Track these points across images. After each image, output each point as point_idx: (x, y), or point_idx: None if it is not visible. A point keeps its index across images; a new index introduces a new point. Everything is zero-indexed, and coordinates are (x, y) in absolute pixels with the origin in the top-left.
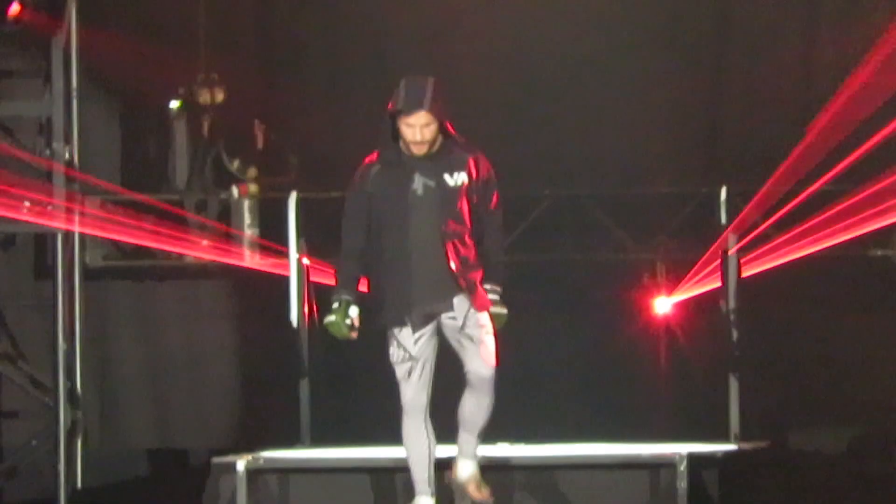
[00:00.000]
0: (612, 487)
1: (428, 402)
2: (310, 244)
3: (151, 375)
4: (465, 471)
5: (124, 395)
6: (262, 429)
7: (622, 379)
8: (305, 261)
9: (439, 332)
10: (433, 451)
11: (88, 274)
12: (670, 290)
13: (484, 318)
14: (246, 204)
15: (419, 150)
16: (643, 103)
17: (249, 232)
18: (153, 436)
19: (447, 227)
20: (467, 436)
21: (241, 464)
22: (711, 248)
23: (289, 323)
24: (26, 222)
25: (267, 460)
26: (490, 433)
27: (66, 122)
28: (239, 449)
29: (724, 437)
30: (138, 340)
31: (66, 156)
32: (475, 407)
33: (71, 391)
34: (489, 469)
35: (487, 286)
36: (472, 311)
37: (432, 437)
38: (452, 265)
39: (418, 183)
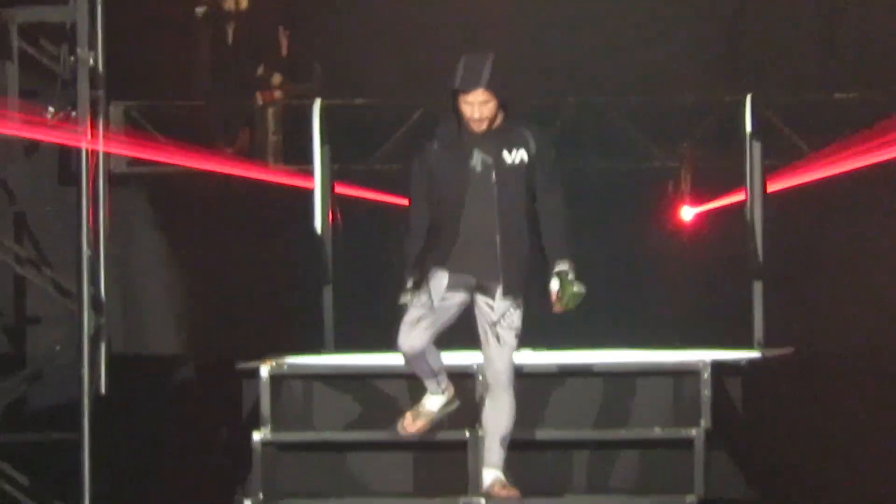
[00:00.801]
0: (636, 394)
1: (425, 347)
2: (334, 151)
3: (175, 282)
4: (489, 479)
5: (148, 302)
6: (285, 336)
7: (647, 287)
8: (329, 169)
9: (467, 306)
10: (439, 362)
11: (113, 180)
12: (695, 199)
13: (517, 319)
14: (270, 111)
15: (478, 128)
16: (667, 9)
17: (273, 139)
18: (177, 342)
19: (503, 206)
20: (490, 443)
21: (265, 370)
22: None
23: (313, 231)
24: (50, 131)
25: (291, 366)
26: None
27: (90, 28)
28: (263, 355)
29: (748, 345)
30: (162, 247)
31: (91, 62)
32: (494, 409)
33: (95, 297)
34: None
35: (559, 264)
36: (511, 310)
37: (434, 352)
38: (505, 247)
39: (476, 160)
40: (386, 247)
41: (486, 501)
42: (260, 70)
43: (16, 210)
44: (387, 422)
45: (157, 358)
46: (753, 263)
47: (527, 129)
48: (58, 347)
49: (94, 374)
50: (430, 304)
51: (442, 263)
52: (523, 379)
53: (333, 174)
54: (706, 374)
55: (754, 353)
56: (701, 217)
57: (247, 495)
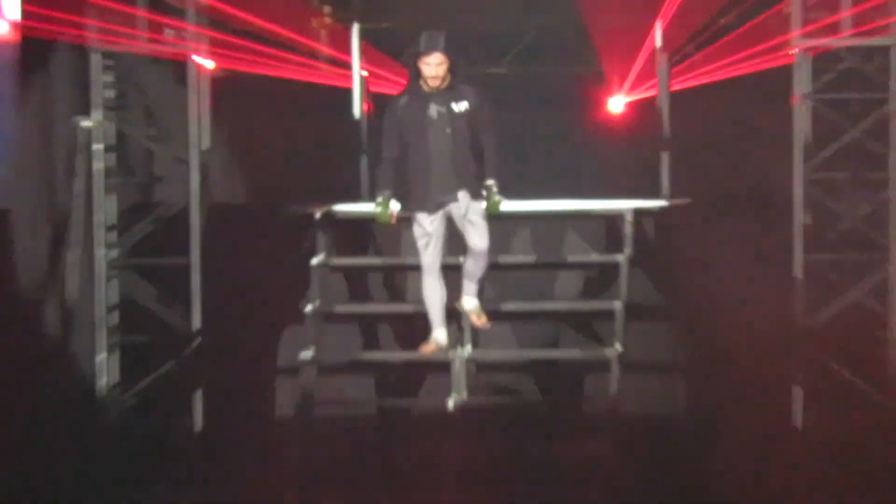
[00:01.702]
0: (582, 231)
1: (440, 264)
2: (367, 58)
3: (244, 153)
4: (469, 304)
5: (218, 169)
6: (331, 190)
7: (586, 153)
8: (364, 73)
9: (448, 218)
10: (444, 298)
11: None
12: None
13: (480, 207)
14: (322, 32)
15: (434, 84)
16: None
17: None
18: (243, 195)
19: (455, 141)
20: (469, 282)
21: (318, 213)
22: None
23: (353, 116)
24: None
25: (336, 210)
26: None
27: None
28: (313, 205)
29: (658, 196)
30: (249, 131)
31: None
32: (474, 266)
33: (202, 166)
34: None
35: (489, 181)
36: (472, 202)
37: (443, 289)
38: (459, 170)
39: (433, 110)
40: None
41: (457, 363)
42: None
43: (145, 103)
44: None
45: (226, 207)
46: (662, 140)
47: (468, 88)
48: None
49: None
50: (425, 232)
51: (420, 204)
52: (501, 220)
53: (367, 76)
54: (629, 217)
55: (663, 202)
56: (628, 106)
57: (309, 301)
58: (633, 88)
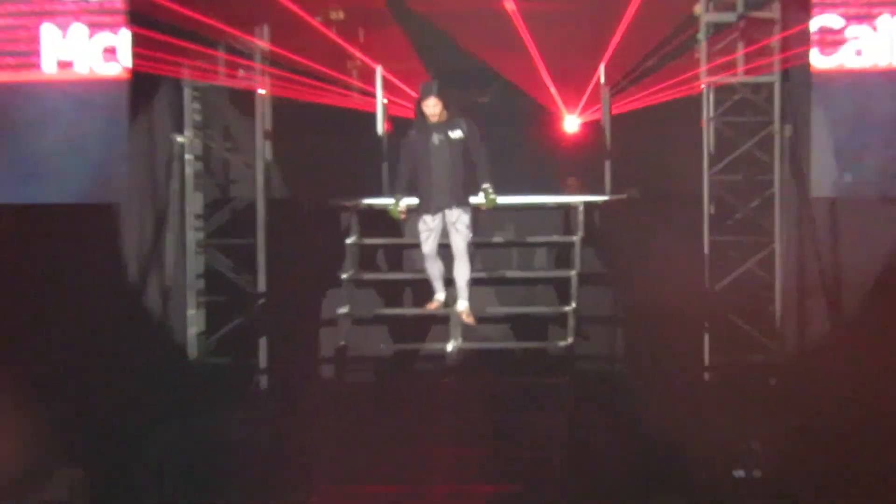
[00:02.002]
0: (545, 219)
1: (436, 250)
2: (387, 89)
3: (295, 161)
4: (460, 306)
5: (277, 173)
6: (359, 188)
7: (549, 161)
8: (385, 100)
9: (443, 220)
10: (442, 270)
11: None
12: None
13: (466, 219)
14: (354, 71)
15: (433, 119)
16: None
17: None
18: (295, 192)
19: (451, 162)
20: (460, 286)
21: (351, 204)
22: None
23: (376, 133)
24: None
25: (364, 202)
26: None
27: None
28: (347, 198)
29: (603, 192)
30: (289, 140)
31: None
32: (459, 269)
33: (265, 172)
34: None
35: (484, 184)
36: (461, 215)
37: (441, 264)
38: (453, 185)
39: (434, 138)
40: None
41: (453, 318)
42: None
43: (224, 124)
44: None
45: (292, 200)
46: (605, 151)
47: (461, 119)
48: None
49: (264, 210)
50: (427, 227)
51: (425, 207)
52: (487, 212)
53: (387, 103)
54: (581, 208)
55: (606, 197)
56: (579, 126)
57: (345, 271)
58: (583, 112)
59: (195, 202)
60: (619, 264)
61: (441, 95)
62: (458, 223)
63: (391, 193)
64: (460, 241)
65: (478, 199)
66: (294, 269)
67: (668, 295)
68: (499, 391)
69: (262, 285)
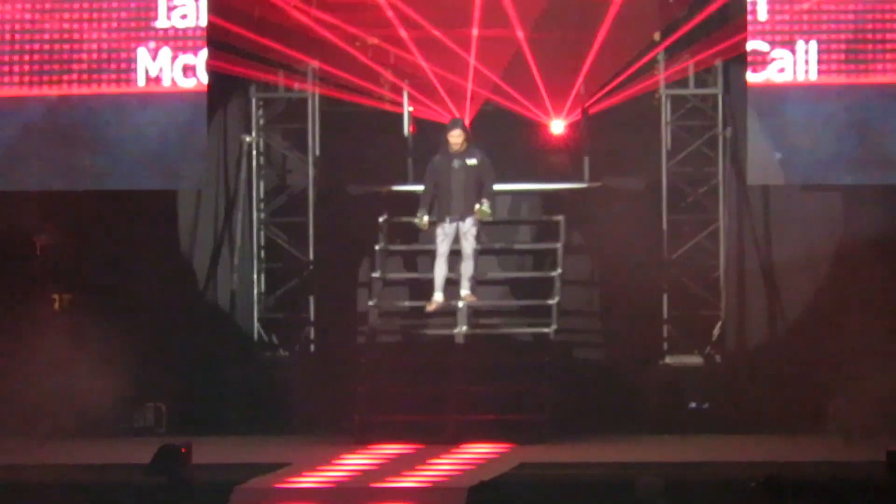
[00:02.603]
0: (537, 200)
1: (447, 253)
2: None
3: (340, 155)
4: (464, 292)
5: (325, 165)
6: (388, 175)
7: (531, 156)
8: (410, 108)
9: (457, 229)
10: (445, 274)
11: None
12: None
13: (475, 230)
14: (386, 85)
15: (455, 147)
16: None
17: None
18: (340, 180)
19: (468, 184)
20: (464, 280)
21: (383, 189)
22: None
23: (403, 133)
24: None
25: (392, 188)
26: None
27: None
28: (373, 185)
29: (583, 181)
30: (335, 139)
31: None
32: (465, 267)
33: (315, 173)
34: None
35: (485, 200)
36: (472, 227)
37: (446, 268)
38: (466, 202)
39: (455, 163)
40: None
41: (461, 308)
42: None
43: (283, 126)
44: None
45: (337, 187)
46: (586, 149)
47: (477, 150)
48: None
49: (314, 195)
50: (445, 233)
51: (443, 217)
52: (501, 195)
53: (412, 112)
54: (561, 221)
55: (585, 184)
56: (565, 128)
57: (374, 271)
58: (567, 115)
59: (258, 189)
60: (596, 240)
61: (464, 129)
62: (469, 233)
63: (419, 209)
64: (469, 247)
65: (477, 207)
66: (336, 241)
67: (633, 260)
68: (495, 365)
69: (311, 255)
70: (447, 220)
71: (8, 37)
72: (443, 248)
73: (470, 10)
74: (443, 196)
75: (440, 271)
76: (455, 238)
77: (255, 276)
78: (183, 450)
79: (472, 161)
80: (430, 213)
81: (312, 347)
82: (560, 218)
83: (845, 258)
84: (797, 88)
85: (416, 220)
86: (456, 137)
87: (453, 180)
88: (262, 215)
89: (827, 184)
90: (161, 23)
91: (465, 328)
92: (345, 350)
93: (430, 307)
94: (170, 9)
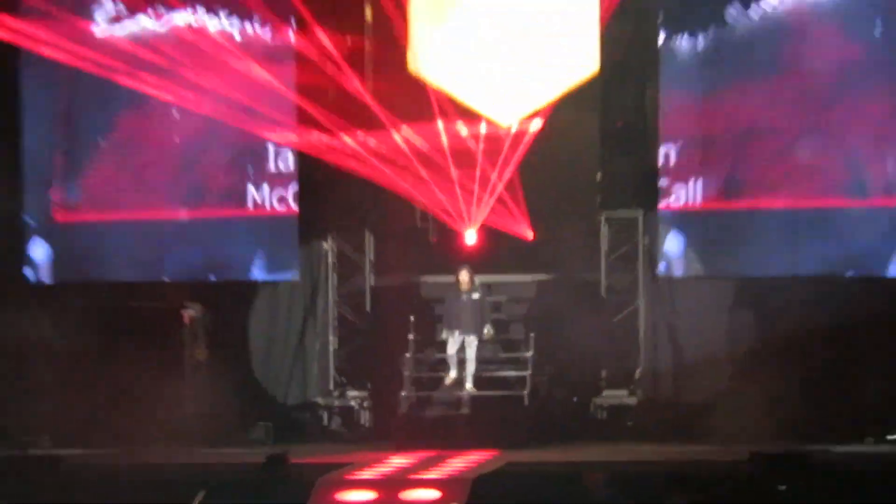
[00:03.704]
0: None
1: (456, 351)
2: None
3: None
4: (468, 384)
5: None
6: (420, 266)
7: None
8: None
9: (463, 340)
10: (456, 359)
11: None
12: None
13: (476, 342)
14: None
15: (463, 286)
16: None
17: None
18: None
19: (473, 312)
20: (468, 375)
21: (415, 280)
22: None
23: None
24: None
25: (421, 279)
26: None
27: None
28: (414, 274)
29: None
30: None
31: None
32: (469, 367)
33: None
34: None
35: (487, 326)
36: (473, 340)
37: (456, 357)
38: (473, 323)
39: (463, 297)
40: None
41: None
42: None
43: (348, 241)
44: None
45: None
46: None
47: (479, 289)
48: None
49: None
50: (455, 341)
51: (454, 332)
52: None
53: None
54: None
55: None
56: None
57: (409, 332)
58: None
59: (333, 280)
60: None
61: (470, 273)
62: (471, 344)
63: (444, 329)
64: (472, 353)
65: (483, 331)
66: (383, 314)
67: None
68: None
69: (367, 325)
70: (457, 333)
71: (166, 176)
72: (452, 349)
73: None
74: (455, 320)
75: (453, 355)
76: (461, 346)
77: (330, 338)
78: (285, 457)
79: (475, 296)
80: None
81: (369, 384)
82: (533, 297)
83: (727, 327)
84: (689, 213)
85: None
86: (464, 276)
87: (461, 310)
88: (336, 298)
89: (712, 276)
90: (269, 167)
91: (470, 387)
92: (390, 392)
93: (448, 382)
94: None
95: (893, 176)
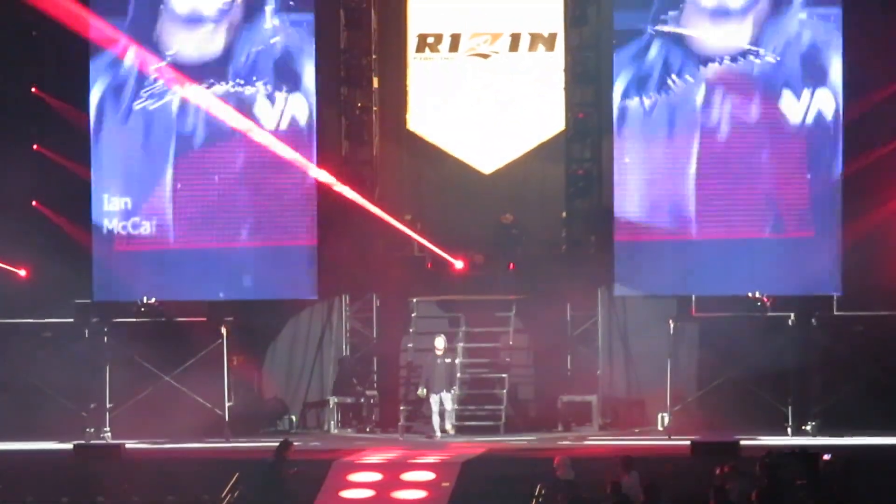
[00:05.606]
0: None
1: (434, 406)
2: None
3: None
4: (448, 425)
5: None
6: (413, 288)
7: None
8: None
9: (440, 396)
10: (436, 416)
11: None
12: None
13: (449, 398)
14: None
15: (438, 352)
16: None
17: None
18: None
19: (445, 373)
20: (447, 421)
21: (411, 299)
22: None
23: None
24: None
25: (419, 300)
26: None
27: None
28: (409, 297)
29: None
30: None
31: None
32: (448, 415)
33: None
34: None
35: (453, 387)
36: (447, 396)
37: (437, 414)
38: (445, 382)
39: (439, 360)
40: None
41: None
42: None
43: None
44: None
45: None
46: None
47: (451, 355)
48: None
49: None
50: (433, 399)
51: (431, 390)
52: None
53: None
54: (511, 316)
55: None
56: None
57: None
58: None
59: (346, 298)
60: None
61: (446, 341)
62: (446, 400)
63: (420, 385)
64: (448, 404)
65: (453, 391)
66: (388, 326)
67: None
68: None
69: (374, 335)
70: (434, 392)
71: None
72: (434, 407)
73: None
74: (432, 379)
75: (435, 412)
76: (439, 402)
77: (344, 345)
78: (291, 443)
79: (448, 360)
80: (424, 386)
81: (376, 384)
82: (510, 313)
83: (671, 337)
84: (647, 243)
85: (418, 392)
86: (439, 343)
87: (436, 371)
88: (348, 313)
89: (659, 295)
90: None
91: (451, 429)
92: (391, 391)
93: (431, 437)
94: None
95: (802, 215)
